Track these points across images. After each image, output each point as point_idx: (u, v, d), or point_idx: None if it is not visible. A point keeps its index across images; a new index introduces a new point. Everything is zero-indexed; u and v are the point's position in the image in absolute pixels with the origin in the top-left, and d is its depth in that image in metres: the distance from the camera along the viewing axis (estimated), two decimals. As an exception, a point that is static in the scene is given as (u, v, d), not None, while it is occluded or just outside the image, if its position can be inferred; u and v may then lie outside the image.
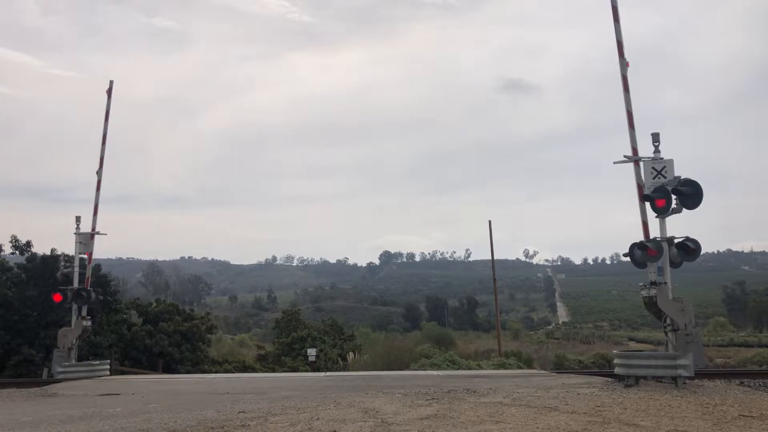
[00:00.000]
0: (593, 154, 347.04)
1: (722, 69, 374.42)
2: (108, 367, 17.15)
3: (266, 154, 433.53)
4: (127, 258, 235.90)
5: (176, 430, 7.62)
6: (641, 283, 11.60)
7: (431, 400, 9.46)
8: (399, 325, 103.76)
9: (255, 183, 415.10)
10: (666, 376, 10.91)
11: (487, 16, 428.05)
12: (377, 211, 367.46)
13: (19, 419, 9.05)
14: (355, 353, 34.01)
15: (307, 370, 27.72)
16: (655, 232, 11.50)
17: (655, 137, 11.70)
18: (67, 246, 17.68)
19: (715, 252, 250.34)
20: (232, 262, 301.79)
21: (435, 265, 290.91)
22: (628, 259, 11.62)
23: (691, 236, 11.28)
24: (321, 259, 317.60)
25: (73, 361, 15.81)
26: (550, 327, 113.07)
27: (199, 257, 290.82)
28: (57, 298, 15.93)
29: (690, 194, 11.15)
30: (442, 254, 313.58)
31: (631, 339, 72.79)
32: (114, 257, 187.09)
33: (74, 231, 16.35)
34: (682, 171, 11.40)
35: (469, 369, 20.11)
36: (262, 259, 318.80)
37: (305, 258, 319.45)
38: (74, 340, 15.84)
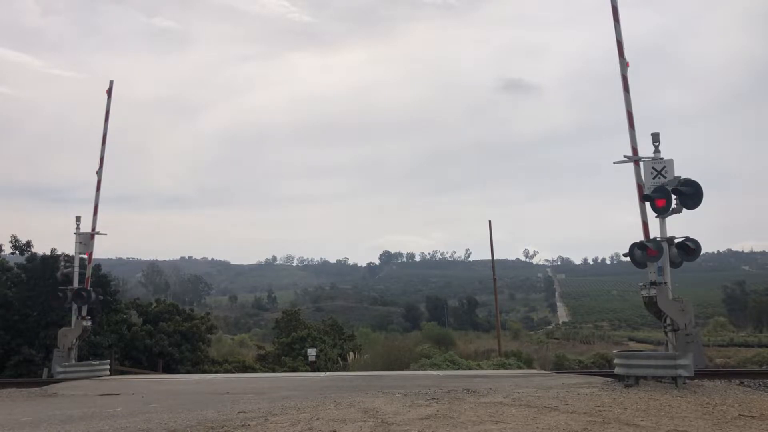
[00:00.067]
0: (593, 154, 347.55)
1: (722, 69, 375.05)
2: (108, 367, 17.15)
3: (266, 154, 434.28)
4: (127, 258, 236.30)
5: (176, 430, 7.62)
6: (641, 283, 11.60)
7: (431, 400, 9.46)
8: (399, 325, 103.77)
9: (255, 183, 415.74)
10: (666, 376, 10.91)
11: (487, 16, 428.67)
12: (377, 211, 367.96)
13: (19, 419, 9.05)
14: (355, 353, 34.02)
15: (307, 370, 27.72)
16: (655, 232, 11.51)
17: (655, 137, 11.70)
18: (67, 246, 17.72)
19: (715, 252, 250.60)
20: (232, 262, 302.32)
21: (435, 265, 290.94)
22: (628, 259, 11.62)
23: (691, 236, 11.28)
24: (321, 259, 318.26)
25: (73, 361, 15.80)
26: (550, 327, 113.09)
27: (199, 257, 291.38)
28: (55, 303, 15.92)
29: (690, 194, 11.14)
30: (442, 254, 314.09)
31: (631, 339, 72.78)
32: (114, 257, 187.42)
33: (74, 231, 16.34)
34: (682, 171, 11.41)
35: (469, 369, 20.11)
36: (262, 259, 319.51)
37: (305, 258, 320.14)
38: (74, 340, 15.84)
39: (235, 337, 67.09)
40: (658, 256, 11.17)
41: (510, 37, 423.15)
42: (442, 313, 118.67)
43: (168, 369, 25.00)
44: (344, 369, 28.61)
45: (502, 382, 12.25)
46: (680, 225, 11.53)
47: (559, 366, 32.97)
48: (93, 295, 16.01)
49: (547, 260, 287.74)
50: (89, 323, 16.05)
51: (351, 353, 33.84)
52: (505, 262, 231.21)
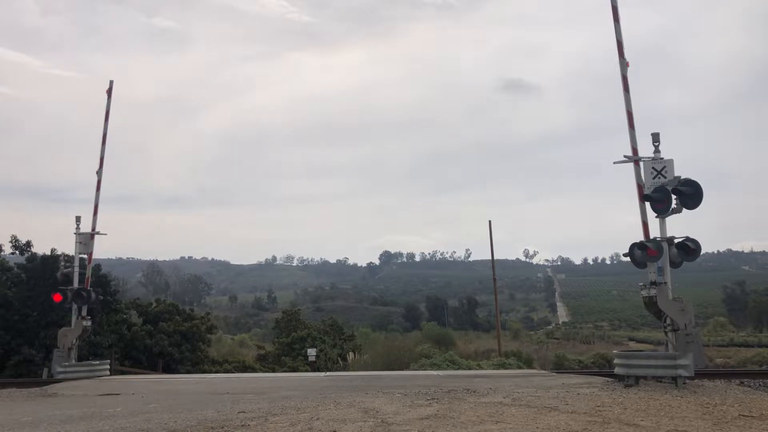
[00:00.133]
0: (593, 154, 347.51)
1: (722, 69, 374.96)
2: (108, 367, 17.15)
3: (266, 154, 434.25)
4: (127, 258, 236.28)
5: (176, 430, 7.62)
6: (641, 283, 11.60)
7: (431, 400, 9.46)
8: (399, 325, 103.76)
9: (255, 183, 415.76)
10: (666, 376, 10.91)
11: (487, 16, 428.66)
12: (377, 211, 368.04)
13: (19, 419, 9.05)
14: (355, 353, 34.02)
15: (307, 370, 27.72)
16: (655, 232, 11.51)
17: (655, 137, 11.70)
18: (67, 246, 17.73)
19: (715, 252, 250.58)
20: (232, 262, 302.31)
21: (435, 265, 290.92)
22: (628, 259, 11.62)
23: (691, 236, 11.28)
24: (321, 259, 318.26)
25: (73, 361, 15.81)
26: (550, 327, 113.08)
27: (199, 257, 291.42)
28: (57, 298, 15.92)
29: (690, 194, 11.14)
30: (442, 254, 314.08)
31: (631, 339, 72.79)
32: (114, 257, 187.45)
33: (74, 231, 16.35)
34: (682, 171, 11.41)
35: (469, 369, 20.11)
36: (262, 259, 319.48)
37: (305, 258, 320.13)
38: (74, 340, 15.84)
39: (235, 337, 67.09)
40: (658, 256, 11.17)
41: (510, 37, 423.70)
42: (442, 313, 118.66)
43: (168, 369, 25.00)
44: (344, 369, 28.61)
45: (502, 382, 12.25)
46: (680, 225, 11.55)
47: (559, 366, 32.98)
48: (93, 295, 16.01)
49: (547, 260, 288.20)
50: (89, 323, 16.05)
51: (351, 353, 33.85)
52: (505, 262, 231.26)
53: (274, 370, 29.12)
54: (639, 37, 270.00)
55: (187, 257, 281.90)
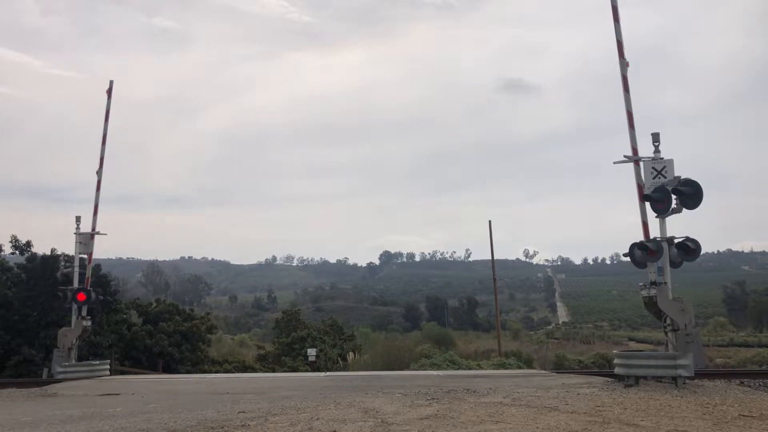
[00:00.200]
0: (593, 154, 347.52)
1: (722, 69, 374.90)
2: (108, 367, 17.15)
3: (266, 154, 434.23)
4: (127, 258, 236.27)
5: (176, 430, 7.62)
6: (641, 283, 11.60)
7: (431, 400, 9.46)
8: (399, 325, 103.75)
9: (255, 183, 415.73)
10: (666, 376, 10.91)
11: (487, 16, 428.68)
12: (377, 211, 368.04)
13: (19, 419, 9.05)
14: (355, 353, 34.02)
15: (307, 370, 27.72)
16: (655, 232, 11.51)
17: (655, 137, 11.70)
18: (67, 246, 17.73)
19: (715, 252, 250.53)
20: (232, 262, 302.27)
21: (435, 265, 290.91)
22: (628, 259, 11.62)
23: (691, 236, 11.29)
24: (321, 259, 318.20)
25: (73, 361, 15.81)
26: (550, 327, 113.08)
27: (199, 257, 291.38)
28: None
29: (690, 194, 11.15)
30: (442, 254, 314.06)
31: (631, 339, 72.79)
32: (114, 257, 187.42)
33: (74, 231, 16.35)
34: (682, 171, 11.41)
35: (469, 369, 20.11)
36: (262, 259, 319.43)
37: (305, 258, 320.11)
38: (74, 340, 15.84)
39: (235, 337, 67.09)
40: (658, 256, 11.17)
41: (510, 37, 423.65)
42: (442, 313, 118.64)
43: (168, 369, 25.00)
44: (344, 369, 28.61)
45: (502, 382, 12.25)
46: (680, 225, 11.55)
47: (559, 366, 32.98)
48: (93, 295, 16.01)
49: (547, 260, 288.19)
50: (89, 323, 16.05)
51: (351, 353, 33.84)
52: (505, 262, 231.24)
53: (274, 370, 29.12)
54: (639, 37, 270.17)
55: (187, 257, 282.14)
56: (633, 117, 12.05)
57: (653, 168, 11.55)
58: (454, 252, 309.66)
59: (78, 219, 16.35)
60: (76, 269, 16.27)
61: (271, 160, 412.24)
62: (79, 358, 16.30)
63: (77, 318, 15.82)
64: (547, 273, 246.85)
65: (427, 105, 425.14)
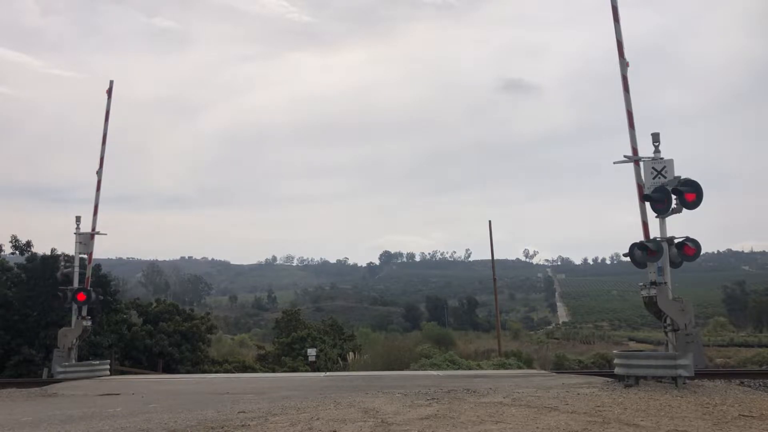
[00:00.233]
0: (593, 154, 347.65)
1: (722, 69, 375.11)
2: (108, 367, 17.15)
3: (266, 154, 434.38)
4: (127, 258, 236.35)
5: (176, 430, 7.62)
6: (641, 283, 11.60)
7: (431, 400, 9.45)
8: (399, 325, 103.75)
9: (255, 183, 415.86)
10: (666, 376, 10.91)
11: (487, 16, 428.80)
12: (377, 211, 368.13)
13: (19, 419, 9.05)
14: (355, 353, 34.01)
15: (307, 370, 27.72)
16: (655, 232, 11.51)
17: (655, 137, 11.70)
18: (67, 246, 17.72)
19: (715, 252, 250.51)
20: (232, 262, 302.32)
21: (435, 265, 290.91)
22: (628, 259, 11.62)
23: (691, 236, 11.28)
24: (321, 259, 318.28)
25: (73, 361, 15.81)
26: (550, 327, 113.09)
27: (199, 257, 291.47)
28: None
29: (690, 194, 11.14)
30: (442, 254, 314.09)
31: (631, 339, 72.78)
32: (114, 257, 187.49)
33: (74, 231, 16.34)
34: (682, 171, 11.41)
35: (469, 369, 20.11)
36: (262, 259, 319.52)
37: (305, 258, 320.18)
38: (74, 340, 15.84)
39: (235, 337, 67.08)
40: (658, 256, 11.17)
41: (510, 37, 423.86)
42: (442, 313, 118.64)
43: (168, 369, 25.00)
44: (344, 369, 28.61)
45: (502, 382, 12.24)
46: (680, 225, 11.55)
47: (559, 366, 32.97)
48: (93, 295, 16.01)
49: (547, 260, 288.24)
50: (89, 323, 16.05)
51: (351, 353, 33.84)
52: (505, 262, 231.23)
53: (274, 370, 29.11)
54: (639, 37, 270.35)
55: (187, 257, 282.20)
56: (633, 117, 12.05)
57: (653, 168, 11.54)
58: (454, 252, 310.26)
59: (78, 219, 16.35)
60: (76, 269, 16.26)
61: (271, 160, 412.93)
62: (79, 358, 16.30)
63: (77, 318, 15.82)
64: (547, 273, 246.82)
65: (427, 105, 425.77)
